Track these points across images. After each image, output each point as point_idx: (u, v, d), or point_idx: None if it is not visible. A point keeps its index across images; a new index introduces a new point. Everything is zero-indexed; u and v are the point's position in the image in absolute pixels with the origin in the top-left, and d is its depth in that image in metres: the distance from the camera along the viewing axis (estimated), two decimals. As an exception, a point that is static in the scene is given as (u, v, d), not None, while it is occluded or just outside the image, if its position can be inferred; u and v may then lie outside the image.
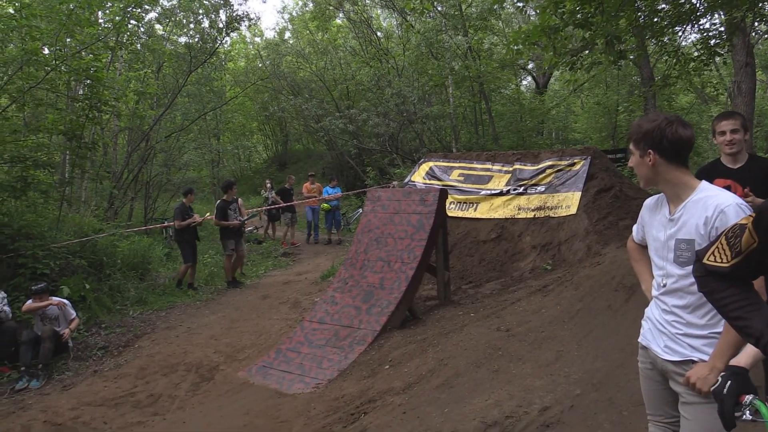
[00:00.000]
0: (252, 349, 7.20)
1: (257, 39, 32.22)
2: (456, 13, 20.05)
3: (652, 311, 2.54)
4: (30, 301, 7.60)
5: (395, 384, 5.09)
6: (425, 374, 5.12)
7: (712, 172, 3.90)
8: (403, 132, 21.02)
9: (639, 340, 2.61)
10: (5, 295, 7.82)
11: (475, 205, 9.49)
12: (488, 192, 9.45)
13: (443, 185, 9.63)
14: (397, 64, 21.55)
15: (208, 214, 11.53)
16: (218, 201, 11.05)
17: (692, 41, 14.45)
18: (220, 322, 8.54)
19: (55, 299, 7.65)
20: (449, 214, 8.61)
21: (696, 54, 10.99)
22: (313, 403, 5.22)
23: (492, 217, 9.15)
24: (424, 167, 10.77)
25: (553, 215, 8.53)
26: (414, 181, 10.62)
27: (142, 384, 6.58)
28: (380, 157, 21.34)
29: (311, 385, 5.69)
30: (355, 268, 7.30)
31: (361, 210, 16.10)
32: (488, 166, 9.92)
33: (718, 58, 11.13)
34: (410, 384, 5.02)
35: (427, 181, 10.34)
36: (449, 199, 9.19)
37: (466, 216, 9.45)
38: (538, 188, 9.00)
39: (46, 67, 10.12)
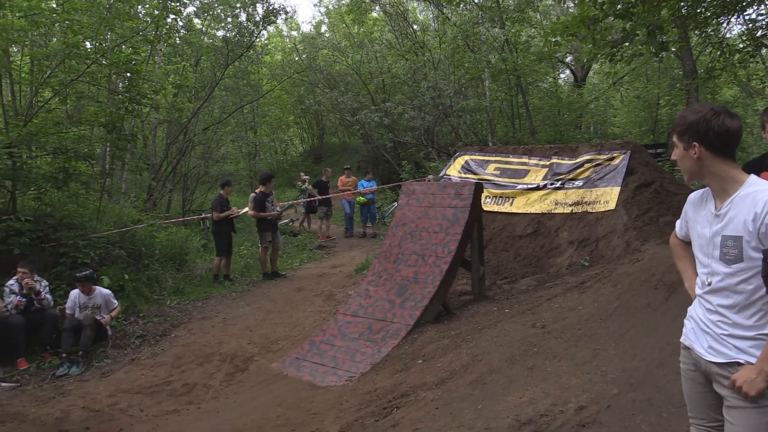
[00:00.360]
0: (286, 341, 7.25)
1: (294, 33, 32.43)
2: (493, 5, 19.81)
3: (695, 310, 2.44)
4: (76, 291, 7.82)
5: (428, 379, 5.05)
6: (458, 370, 5.07)
7: (759, 166, 3.76)
8: (439, 125, 20.90)
9: (681, 340, 2.52)
10: (47, 283, 8.04)
11: (511, 199, 9.37)
12: (525, 186, 9.32)
13: (479, 179, 9.54)
14: (433, 57, 21.42)
15: (246, 208, 11.62)
16: (255, 193, 11.11)
17: (738, 32, 14.02)
18: (255, 313, 8.63)
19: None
20: (485, 208, 8.52)
21: (741, 45, 10.66)
22: (346, 396, 5.22)
23: (528, 211, 9.03)
24: (460, 161, 10.68)
25: (591, 210, 8.37)
26: (449, 175, 10.54)
27: (177, 373, 6.70)
28: (416, 151, 21.25)
29: (344, 378, 5.70)
30: (389, 262, 7.27)
31: (396, 203, 16.09)
32: (525, 160, 9.79)
33: (764, 50, 10.77)
34: (443, 379, 4.98)
35: (463, 175, 10.25)
36: (485, 193, 9.10)
37: (502, 210, 9.34)
38: (576, 183, 8.84)
39: (87, 61, 10.33)
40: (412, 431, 4.18)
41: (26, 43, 10.26)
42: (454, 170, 10.61)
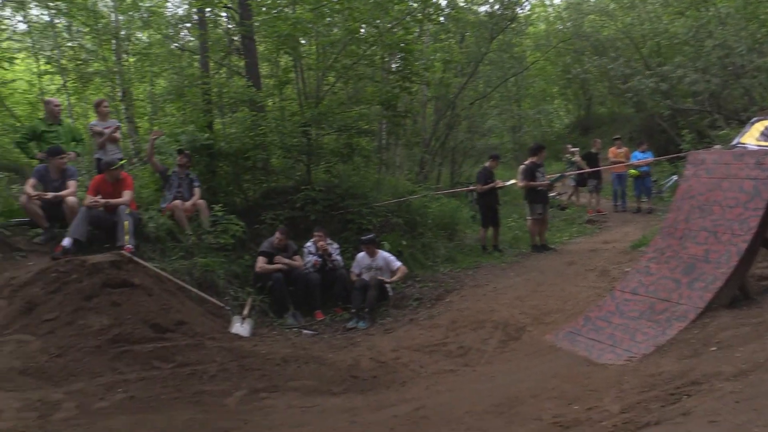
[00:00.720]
0: (558, 314, 7.14)
1: (557, 1, 31.30)
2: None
3: None
4: (362, 253, 8.75)
5: (724, 368, 4.56)
6: (763, 362, 4.47)
7: None
8: (728, 89, 18.54)
9: None
10: (338, 246, 9.11)
11: (829, 170, 7.95)
12: None
13: (785, 147, 8.26)
14: (719, 12, 18.95)
15: (512, 180, 11.67)
16: (524, 164, 11.06)
17: None
18: (525, 284, 8.63)
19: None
20: (793, 181, 7.35)
21: None
22: (626, 376, 4.95)
23: None
24: (758, 126, 9.27)
25: None
26: (744, 143, 9.23)
27: (452, 336, 7.02)
28: (698, 119, 19.15)
29: (623, 357, 5.43)
30: (673, 238, 6.68)
31: (675, 177, 14.79)
32: None
33: None
34: (743, 371, 4.44)
35: (763, 143, 8.93)
36: (793, 164, 7.87)
37: (817, 184, 7.96)
38: None
39: (364, 45, 11.22)
40: (706, 422, 3.83)
41: (313, 34, 11.42)
42: (750, 137, 9.27)
